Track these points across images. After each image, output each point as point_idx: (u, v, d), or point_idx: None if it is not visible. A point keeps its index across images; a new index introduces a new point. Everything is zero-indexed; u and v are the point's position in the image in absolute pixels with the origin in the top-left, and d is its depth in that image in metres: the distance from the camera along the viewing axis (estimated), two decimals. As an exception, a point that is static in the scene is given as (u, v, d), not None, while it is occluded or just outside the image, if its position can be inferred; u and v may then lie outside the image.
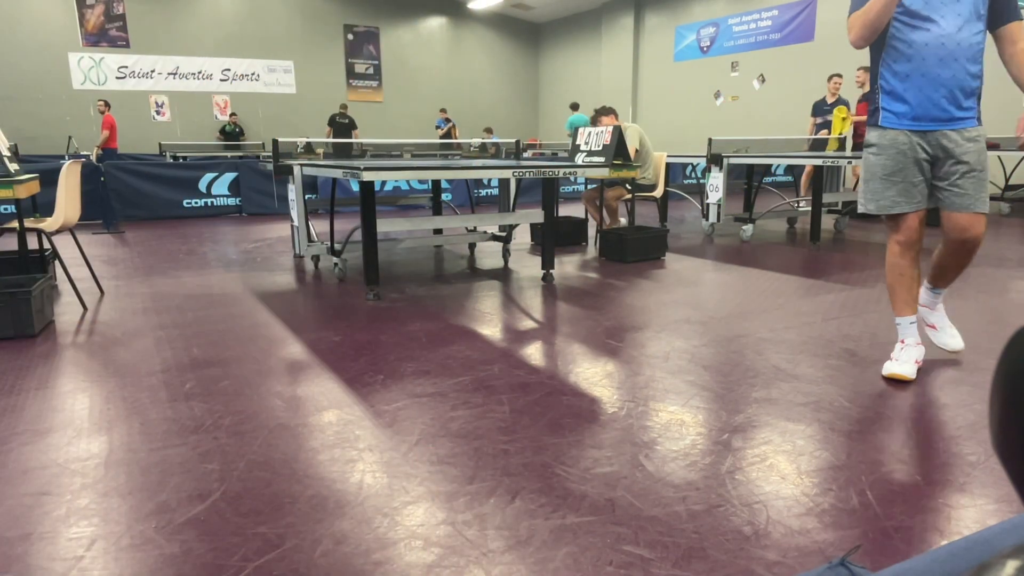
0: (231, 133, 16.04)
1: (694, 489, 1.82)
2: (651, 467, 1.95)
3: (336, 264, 4.88)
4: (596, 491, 1.81)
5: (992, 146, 8.43)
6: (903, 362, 2.64)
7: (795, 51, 13.22)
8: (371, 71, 18.24)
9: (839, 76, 8.68)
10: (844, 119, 8.50)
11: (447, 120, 16.38)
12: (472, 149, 11.62)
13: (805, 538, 1.59)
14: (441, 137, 16.26)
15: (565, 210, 8.75)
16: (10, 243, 6.38)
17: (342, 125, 14.22)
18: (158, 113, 15.99)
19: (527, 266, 5.29)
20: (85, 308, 3.97)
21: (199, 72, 16.24)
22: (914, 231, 2.62)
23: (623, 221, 6.54)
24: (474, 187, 9.80)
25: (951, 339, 2.88)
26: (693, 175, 11.48)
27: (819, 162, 6.07)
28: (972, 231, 2.53)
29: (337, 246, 4.93)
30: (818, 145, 8.69)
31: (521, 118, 20.79)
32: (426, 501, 1.77)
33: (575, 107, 14.34)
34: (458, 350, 3.10)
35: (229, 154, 14.41)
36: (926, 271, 2.85)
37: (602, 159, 5.25)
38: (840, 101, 8.68)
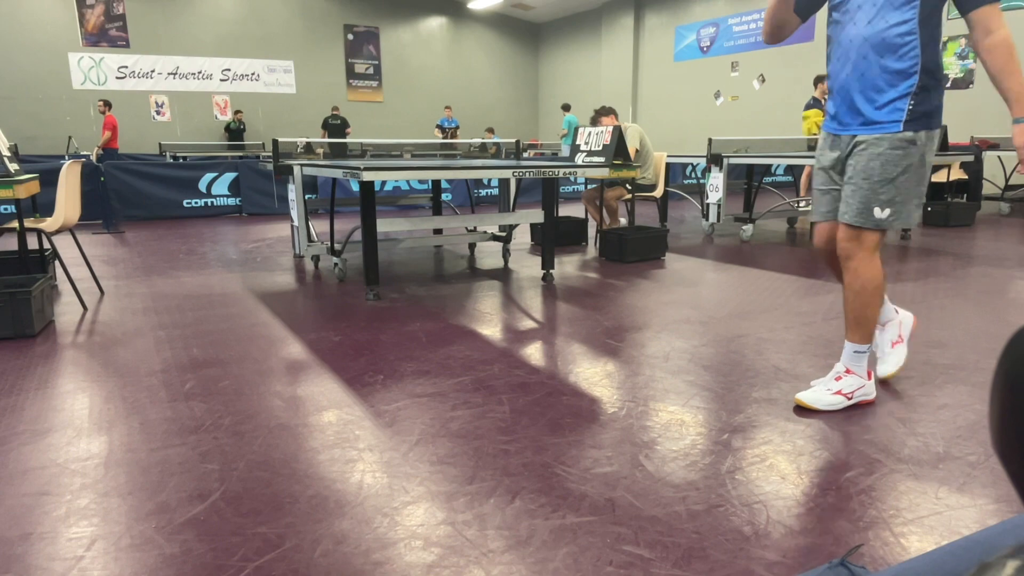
0: (236, 131, 16.05)
1: (694, 489, 1.82)
2: (651, 467, 1.95)
3: (336, 264, 4.87)
4: (596, 491, 1.81)
5: (992, 146, 8.42)
6: (891, 362, 2.63)
7: (795, 51, 13.22)
8: (371, 71, 18.24)
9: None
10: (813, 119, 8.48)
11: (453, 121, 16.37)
12: (472, 148, 11.63)
13: (805, 538, 1.59)
14: (442, 137, 16.25)
15: (565, 210, 8.75)
16: (10, 243, 6.38)
17: (334, 126, 14.53)
18: (158, 113, 16.00)
19: (527, 266, 5.29)
20: (85, 308, 3.97)
21: (199, 72, 16.25)
22: (823, 242, 2.42)
23: (623, 221, 6.53)
24: (474, 187, 9.80)
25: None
26: (693, 175, 11.47)
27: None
28: (839, 242, 2.29)
29: (337, 246, 4.93)
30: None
31: (521, 118, 20.79)
32: (426, 501, 1.77)
33: (567, 108, 14.43)
34: (458, 350, 3.10)
35: (229, 154, 14.45)
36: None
37: (602, 159, 5.25)
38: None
